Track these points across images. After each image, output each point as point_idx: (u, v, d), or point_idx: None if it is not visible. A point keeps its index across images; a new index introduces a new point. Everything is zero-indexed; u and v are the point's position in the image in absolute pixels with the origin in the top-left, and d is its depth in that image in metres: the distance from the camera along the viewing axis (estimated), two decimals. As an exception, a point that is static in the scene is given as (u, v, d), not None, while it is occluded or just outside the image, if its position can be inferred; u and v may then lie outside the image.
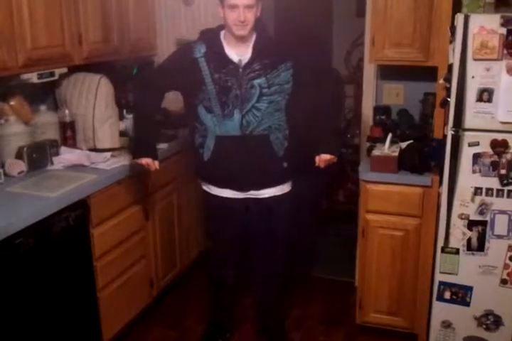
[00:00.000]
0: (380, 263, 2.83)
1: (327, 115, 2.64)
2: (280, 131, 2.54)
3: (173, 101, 3.04)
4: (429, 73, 2.75)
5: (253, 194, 2.61)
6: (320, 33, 4.82)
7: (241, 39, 2.43)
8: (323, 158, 2.58)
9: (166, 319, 3.19)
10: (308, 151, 2.63)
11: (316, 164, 2.60)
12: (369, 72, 3.26)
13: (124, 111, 3.23)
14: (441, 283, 2.54)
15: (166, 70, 2.57)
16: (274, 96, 2.47)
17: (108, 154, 2.92)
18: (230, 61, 2.44)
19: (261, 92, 2.44)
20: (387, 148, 2.79)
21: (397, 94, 3.26)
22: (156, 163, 2.62)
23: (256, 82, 2.43)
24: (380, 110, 3.22)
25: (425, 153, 2.73)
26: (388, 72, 3.22)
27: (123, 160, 2.86)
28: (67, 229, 2.41)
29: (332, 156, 2.58)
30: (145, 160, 2.59)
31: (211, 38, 2.50)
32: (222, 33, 2.49)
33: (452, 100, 2.37)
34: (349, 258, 3.54)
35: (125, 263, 2.84)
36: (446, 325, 2.57)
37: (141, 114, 2.68)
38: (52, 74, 2.76)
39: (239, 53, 2.45)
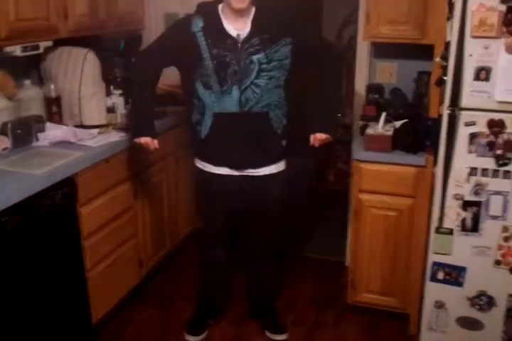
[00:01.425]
0: (373, 244, 2.82)
1: (325, 92, 2.57)
2: (279, 109, 2.48)
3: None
4: (423, 51, 2.71)
5: (249, 172, 2.56)
6: (311, 10, 4.73)
7: (239, 13, 2.35)
8: (318, 137, 2.52)
9: (155, 299, 3.17)
10: (300, 129, 2.57)
11: (311, 143, 2.55)
12: (362, 49, 3.21)
13: (111, 87, 3.14)
14: (434, 263, 2.52)
15: (164, 45, 2.49)
16: (274, 72, 2.41)
17: (95, 131, 2.85)
18: (228, 36, 2.37)
19: (260, 68, 2.38)
20: (381, 127, 2.75)
21: (391, 73, 3.21)
22: (156, 141, 2.55)
23: (255, 57, 2.37)
24: (373, 89, 3.17)
25: (420, 132, 2.70)
26: (382, 50, 3.17)
27: (110, 137, 2.79)
28: (54, 208, 2.35)
29: (327, 136, 2.52)
30: (144, 139, 2.54)
31: (209, 11, 2.41)
32: (220, 6, 2.41)
33: (449, 79, 2.32)
34: (338, 238, 3.53)
35: (114, 243, 2.80)
36: (439, 305, 2.56)
37: (139, 92, 2.57)
38: (36, 48, 2.67)
39: (237, 28, 2.37)
